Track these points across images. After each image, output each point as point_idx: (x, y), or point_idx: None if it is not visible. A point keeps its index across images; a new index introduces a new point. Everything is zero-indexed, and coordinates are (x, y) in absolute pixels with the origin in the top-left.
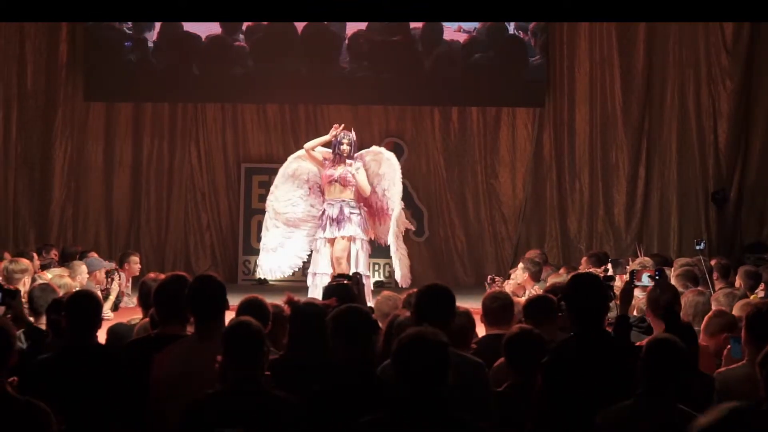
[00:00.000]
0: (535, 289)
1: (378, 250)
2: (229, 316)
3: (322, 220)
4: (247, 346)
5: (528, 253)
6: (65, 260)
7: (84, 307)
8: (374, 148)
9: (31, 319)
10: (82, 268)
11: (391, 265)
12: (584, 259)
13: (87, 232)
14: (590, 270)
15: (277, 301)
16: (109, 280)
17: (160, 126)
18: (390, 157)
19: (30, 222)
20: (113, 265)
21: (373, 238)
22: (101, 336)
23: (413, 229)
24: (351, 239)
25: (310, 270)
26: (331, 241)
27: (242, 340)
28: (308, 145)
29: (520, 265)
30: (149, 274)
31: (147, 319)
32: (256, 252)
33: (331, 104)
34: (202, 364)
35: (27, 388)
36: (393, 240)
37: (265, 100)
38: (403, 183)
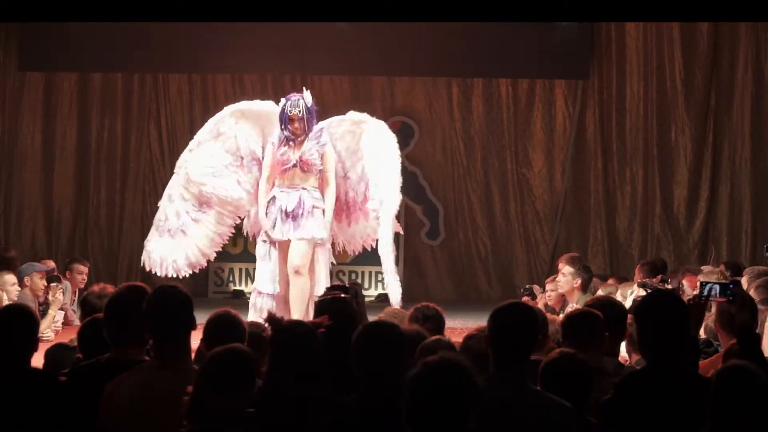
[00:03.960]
0: (577, 304)
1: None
2: (197, 336)
3: (270, 214)
4: (235, 384)
5: (567, 255)
6: None
7: (15, 324)
8: (352, 114)
9: None
10: (10, 277)
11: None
12: (638, 267)
13: (22, 233)
14: (645, 281)
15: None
16: (52, 288)
17: (112, 101)
18: (378, 128)
19: None
20: (53, 268)
21: (334, 243)
22: (37, 361)
23: (401, 233)
24: (315, 242)
25: (254, 285)
26: (284, 245)
27: (231, 371)
28: (246, 105)
29: (567, 269)
30: (94, 285)
31: None
32: (231, 258)
33: (323, 74)
34: (164, 396)
35: None
36: (389, 248)
37: (242, 69)
38: (413, 173)
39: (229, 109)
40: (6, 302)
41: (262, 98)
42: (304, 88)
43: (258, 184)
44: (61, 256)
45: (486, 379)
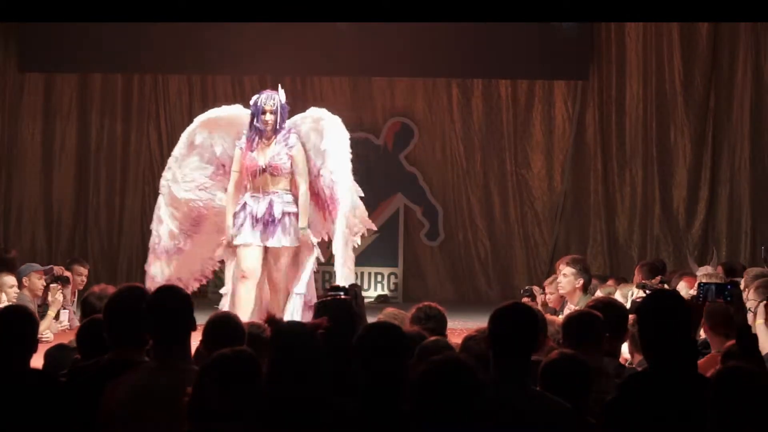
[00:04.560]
0: (577, 306)
1: (381, 258)
2: (196, 337)
3: (238, 219)
4: (240, 386)
5: (568, 256)
6: None
7: (15, 325)
8: (313, 111)
9: None
10: (9, 279)
11: (397, 277)
12: (637, 268)
13: (21, 233)
14: (644, 282)
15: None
16: (52, 289)
17: (112, 102)
18: (333, 124)
19: None
20: (60, 269)
21: (325, 240)
22: (37, 362)
23: (374, 228)
24: (290, 251)
25: (223, 290)
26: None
27: (233, 373)
28: (215, 113)
29: (568, 270)
30: (94, 287)
31: None
32: None
33: (323, 75)
34: (164, 397)
35: None
36: (341, 247)
37: (242, 71)
38: (412, 174)
39: (199, 120)
40: (5, 303)
41: None
42: (279, 86)
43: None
44: (61, 256)
45: (486, 379)
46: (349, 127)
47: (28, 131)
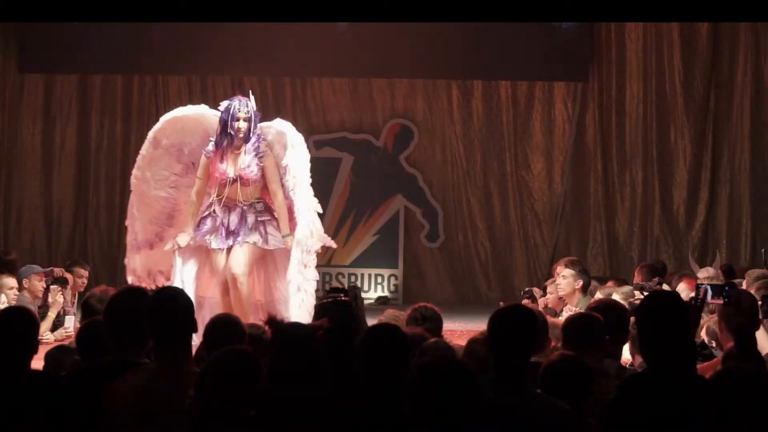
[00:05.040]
0: (576, 307)
1: (381, 260)
2: (197, 338)
3: (204, 225)
4: (240, 386)
5: (566, 258)
6: None
7: (16, 327)
8: (278, 123)
9: None
10: (9, 280)
11: (397, 278)
12: (637, 269)
13: (21, 234)
14: (642, 283)
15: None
16: (52, 291)
17: (112, 103)
18: (296, 141)
19: None
20: (60, 271)
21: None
22: (38, 363)
23: (334, 246)
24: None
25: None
26: (212, 254)
27: (235, 373)
28: (181, 111)
29: (567, 271)
30: (95, 288)
31: None
32: None
33: (323, 77)
34: (164, 399)
35: None
36: (295, 273)
37: (242, 72)
38: (412, 175)
39: (165, 118)
40: (5, 305)
41: (262, 101)
42: (250, 91)
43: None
44: (61, 257)
45: (486, 381)
46: (350, 128)
47: (28, 132)
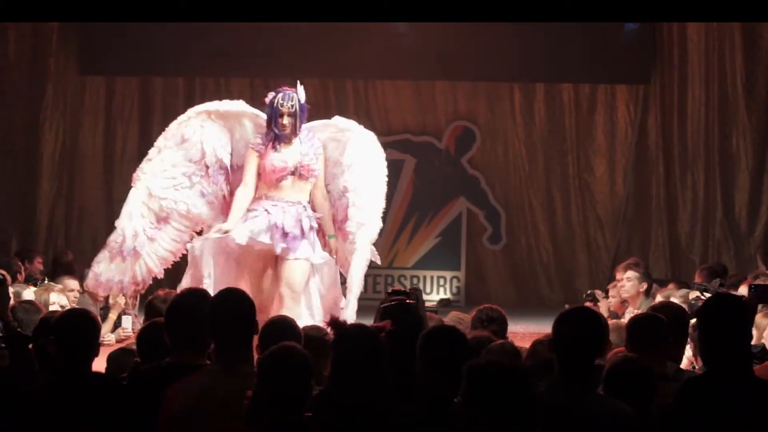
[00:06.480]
0: (639, 309)
1: (443, 262)
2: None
3: (252, 214)
4: (291, 381)
5: (629, 261)
6: (55, 271)
7: (78, 329)
8: (338, 120)
9: None
10: (72, 282)
11: (459, 280)
12: (697, 272)
13: (82, 236)
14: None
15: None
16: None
17: (174, 105)
18: (366, 140)
19: (11, 223)
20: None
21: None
22: (99, 365)
23: (379, 263)
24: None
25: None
26: (261, 256)
27: (286, 373)
28: (213, 106)
29: (631, 273)
30: (158, 290)
31: None
32: None
33: (385, 79)
34: (226, 401)
35: (9, 425)
36: (358, 278)
37: (304, 74)
38: (474, 177)
39: (194, 111)
40: (67, 307)
41: (324, 104)
42: (298, 81)
43: (224, 198)
44: None
45: (550, 383)
46: (412, 130)
47: (90, 134)
